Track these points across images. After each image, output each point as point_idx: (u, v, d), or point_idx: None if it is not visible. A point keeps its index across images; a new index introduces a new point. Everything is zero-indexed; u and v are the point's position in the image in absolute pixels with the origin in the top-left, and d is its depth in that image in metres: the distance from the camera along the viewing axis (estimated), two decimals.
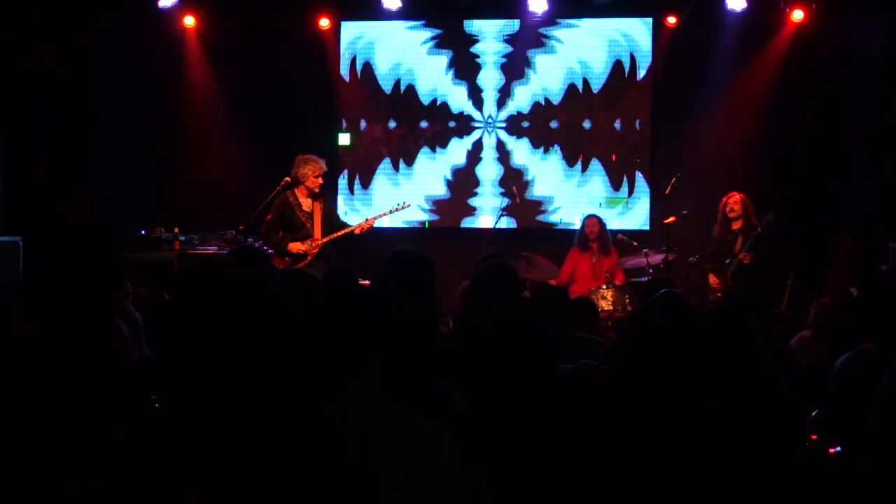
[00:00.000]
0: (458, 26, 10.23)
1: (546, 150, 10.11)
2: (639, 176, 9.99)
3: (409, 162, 10.34)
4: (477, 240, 9.01)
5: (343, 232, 7.95)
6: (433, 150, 10.32)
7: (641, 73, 9.96)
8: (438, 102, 10.27)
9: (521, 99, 10.17)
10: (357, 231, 7.94)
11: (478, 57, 10.20)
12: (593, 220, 8.88)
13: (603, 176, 10.04)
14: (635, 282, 8.58)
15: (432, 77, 10.27)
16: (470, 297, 4.18)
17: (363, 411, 2.33)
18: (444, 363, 3.08)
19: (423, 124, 10.31)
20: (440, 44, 10.26)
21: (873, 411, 2.17)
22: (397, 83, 10.30)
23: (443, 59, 10.25)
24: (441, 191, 10.30)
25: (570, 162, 10.08)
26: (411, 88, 10.30)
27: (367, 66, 10.32)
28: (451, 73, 10.24)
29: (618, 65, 9.99)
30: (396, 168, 10.35)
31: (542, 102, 10.13)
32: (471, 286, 4.12)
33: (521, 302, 4.07)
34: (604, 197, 9.95)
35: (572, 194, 10.07)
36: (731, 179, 8.98)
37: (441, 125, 10.29)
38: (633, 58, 9.96)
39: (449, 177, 10.30)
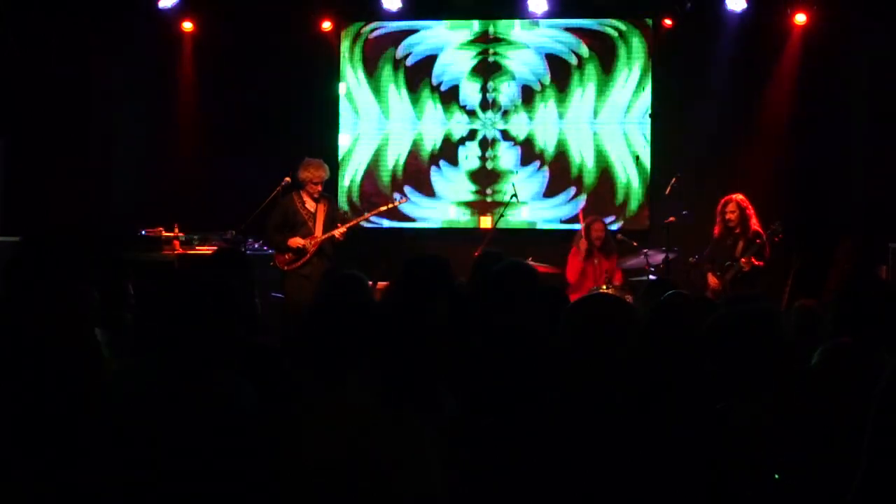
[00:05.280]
0: (455, 28, 10.23)
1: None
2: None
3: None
4: (477, 240, 8.99)
5: (327, 235, 7.98)
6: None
7: (641, 73, 9.96)
8: (432, 106, 10.28)
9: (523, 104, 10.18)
10: (337, 236, 7.96)
11: (477, 58, 10.21)
12: (599, 226, 8.71)
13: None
14: (634, 281, 8.58)
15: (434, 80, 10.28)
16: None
17: (342, 410, 2.33)
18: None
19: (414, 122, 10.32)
20: (436, 47, 10.27)
21: (871, 412, 2.17)
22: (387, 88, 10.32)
23: (442, 60, 10.25)
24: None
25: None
26: (408, 89, 10.31)
27: (364, 71, 10.34)
28: (449, 75, 10.25)
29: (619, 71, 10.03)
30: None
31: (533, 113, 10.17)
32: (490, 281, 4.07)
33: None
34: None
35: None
36: (732, 180, 8.97)
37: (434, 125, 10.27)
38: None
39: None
